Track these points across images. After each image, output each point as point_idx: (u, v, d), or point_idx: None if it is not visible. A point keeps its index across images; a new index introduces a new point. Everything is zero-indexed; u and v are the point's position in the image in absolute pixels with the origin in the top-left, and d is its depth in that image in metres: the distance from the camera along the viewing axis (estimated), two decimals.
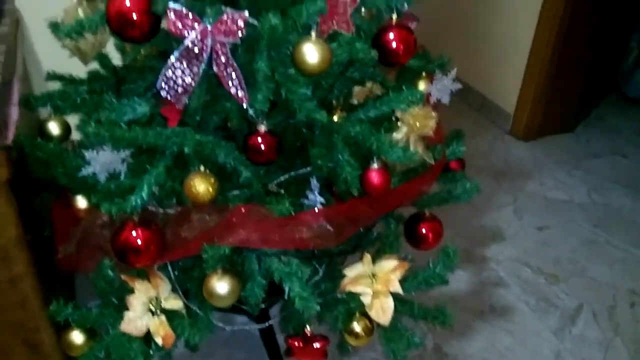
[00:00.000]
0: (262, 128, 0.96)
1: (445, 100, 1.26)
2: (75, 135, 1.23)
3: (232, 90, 0.89)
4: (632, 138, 2.69)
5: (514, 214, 2.16)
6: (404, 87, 1.13)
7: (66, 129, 1.21)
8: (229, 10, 0.88)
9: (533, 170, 2.43)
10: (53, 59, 1.31)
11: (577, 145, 2.63)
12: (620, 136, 2.70)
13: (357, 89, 1.21)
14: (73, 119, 1.23)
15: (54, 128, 1.18)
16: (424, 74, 1.26)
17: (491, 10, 2.66)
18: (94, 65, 1.25)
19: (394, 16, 1.05)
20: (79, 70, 1.25)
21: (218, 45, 0.86)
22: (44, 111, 1.21)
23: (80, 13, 1.01)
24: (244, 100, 0.90)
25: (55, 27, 1.15)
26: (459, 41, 2.89)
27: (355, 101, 1.20)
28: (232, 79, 0.88)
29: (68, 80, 1.27)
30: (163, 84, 0.88)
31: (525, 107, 2.60)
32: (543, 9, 2.40)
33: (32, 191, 1.17)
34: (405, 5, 1.08)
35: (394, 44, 1.05)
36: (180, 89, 0.89)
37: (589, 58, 2.56)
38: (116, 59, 1.26)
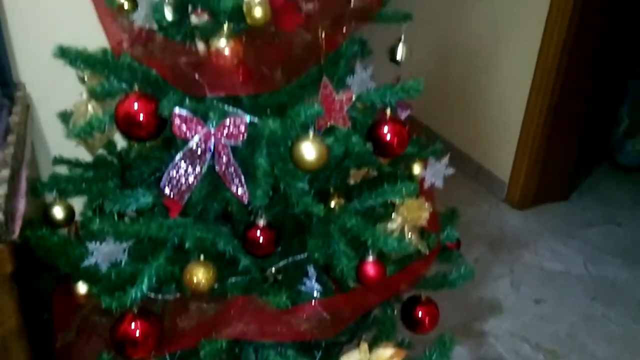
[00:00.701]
0: (261, 222, 0.99)
1: (439, 184, 1.30)
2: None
3: (233, 188, 0.93)
4: (626, 206, 2.73)
5: (511, 286, 2.17)
6: (398, 176, 1.17)
7: (70, 213, 1.24)
8: (231, 114, 0.93)
9: (529, 239, 2.45)
10: (61, 140, 1.36)
11: (572, 213, 2.66)
12: (614, 204, 2.74)
13: (353, 171, 1.25)
14: (78, 201, 1.27)
15: (58, 212, 1.21)
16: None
17: (484, 81, 2.75)
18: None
19: (388, 110, 1.11)
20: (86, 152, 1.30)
21: (220, 147, 0.90)
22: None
23: (90, 109, 1.05)
24: (245, 197, 0.93)
25: (64, 117, 1.21)
26: (454, 110, 2.97)
27: (352, 181, 1.23)
28: (233, 178, 0.92)
29: (74, 164, 1.31)
30: (167, 183, 0.91)
31: (520, 176, 2.65)
32: (534, 81, 2.49)
33: (34, 272, 1.19)
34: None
35: (388, 137, 1.10)
36: (183, 187, 0.92)
37: (580, 128, 2.63)
38: (122, 142, 1.30)
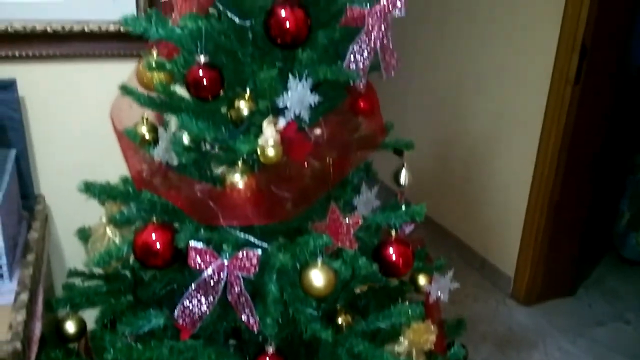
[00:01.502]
0: (270, 349, 1.01)
1: (445, 298, 1.32)
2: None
3: (244, 318, 0.96)
4: (633, 303, 2.71)
5: None
6: (405, 291, 1.20)
7: (82, 326, 1.26)
8: (243, 243, 0.98)
9: (537, 338, 2.42)
10: (76, 249, 1.41)
11: (579, 310, 2.64)
12: (622, 300, 2.73)
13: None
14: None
15: (70, 327, 1.24)
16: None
17: (486, 175, 2.82)
18: None
19: (393, 232, 1.15)
20: None
21: (233, 278, 0.94)
22: None
23: (108, 232, 1.10)
24: (255, 326, 0.96)
25: (82, 234, 1.26)
26: (458, 203, 3.03)
27: (357, 290, 1.25)
28: (244, 308, 0.95)
29: (88, 276, 1.35)
30: (181, 313, 0.94)
31: (525, 271, 2.66)
32: (534, 177, 2.55)
33: None
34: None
35: (393, 258, 1.14)
36: (196, 316, 0.95)
37: (582, 222, 2.66)
38: None
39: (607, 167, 2.75)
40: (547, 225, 2.58)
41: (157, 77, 1.00)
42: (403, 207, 1.17)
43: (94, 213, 1.20)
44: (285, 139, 0.99)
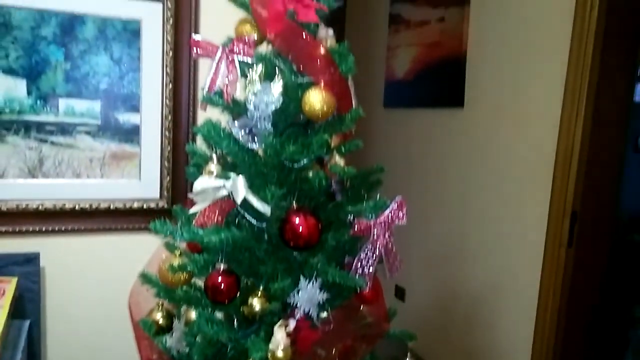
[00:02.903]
0: None
1: None
2: None
3: None
4: None
5: None
6: None
7: None
8: None
9: None
10: None
11: None
12: None
13: None
14: None
15: None
16: None
17: (486, 331, 2.81)
18: None
19: None
20: None
21: None
22: None
23: None
24: None
25: None
26: (458, 356, 2.99)
27: None
28: None
29: None
30: None
31: None
32: (535, 336, 2.55)
33: None
34: None
35: None
36: None
37: None
38: None
39: (608, 321, 2.76)
40: None
41: (179, 276, 1.08)
42: None
43: None
44: (294, 333, 1.04)
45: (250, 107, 0.98)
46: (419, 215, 3.15)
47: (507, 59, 2.36)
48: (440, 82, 2.85)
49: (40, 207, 1.45)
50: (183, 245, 1.17)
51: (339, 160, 1.08)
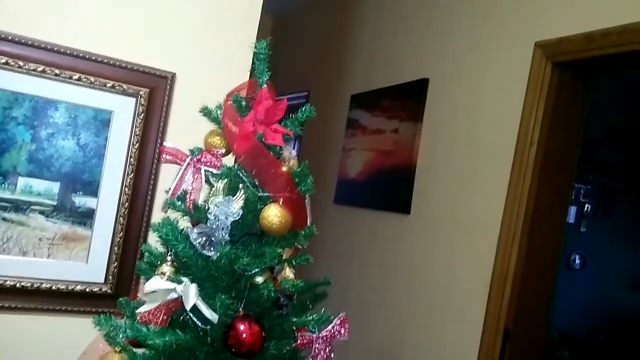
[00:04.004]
0: None
1: None
2: None
3: None
4: None
5: None
6: None
7: None
8: None
9: None
10: None
11: None
12: None
13: None
14: None
15: None
16: None
17: None
18: None
19: None
20: None
21: None
22: None
23: None
24: None
25: None
26: None
27: None
28: None
29: None
30: None
31: None
32: None
33: None
34: None
35: None
36: None
37: None
38: None
39: None
40: None
41: None
42: None
43: None
44: None
45: (211, 217, 1.04)
46: (358, 314, 3.18)
47: (453, 175, 2.54)
48: (389, 188, 2.99)
49: None
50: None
51: (289, 272, 1.14)
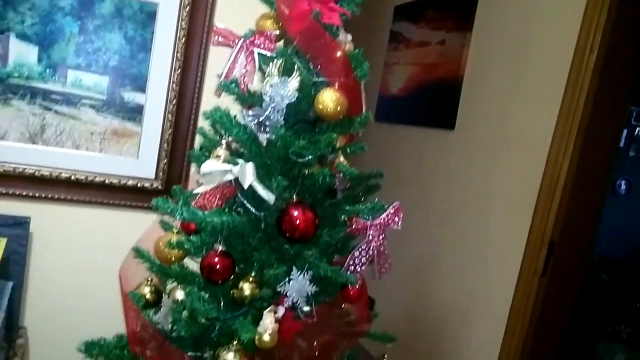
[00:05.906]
0: None
1: None
2: None
3: None
4: None
5: None
6: None
7: None
8: None
9: None
10: None
11: None
12: None
13: None
14: None
15: None
16: None
17: (453, 353, 2.87)
18: None
19: None
20: None
21: None
22: None
23: None
24: None
25: None
26: None
27: None
28: None
29: None
30: None
31: None
32: (500, 358, 2.61)
33: None
34: None
35: None
36: None
37: None
38: None
39: (571, 354, 2.83)
40: None
41: (174, 253, 1.10)
42: None
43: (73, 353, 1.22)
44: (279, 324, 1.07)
45: (266, 98, 1.02)
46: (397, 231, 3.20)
47: (503, 89, 2.44)
48: (433, 103, 2.91)
49: (36, 173, 1.46)
50: (177, 224, 1.19)
51: (343, 160, 1.12)
